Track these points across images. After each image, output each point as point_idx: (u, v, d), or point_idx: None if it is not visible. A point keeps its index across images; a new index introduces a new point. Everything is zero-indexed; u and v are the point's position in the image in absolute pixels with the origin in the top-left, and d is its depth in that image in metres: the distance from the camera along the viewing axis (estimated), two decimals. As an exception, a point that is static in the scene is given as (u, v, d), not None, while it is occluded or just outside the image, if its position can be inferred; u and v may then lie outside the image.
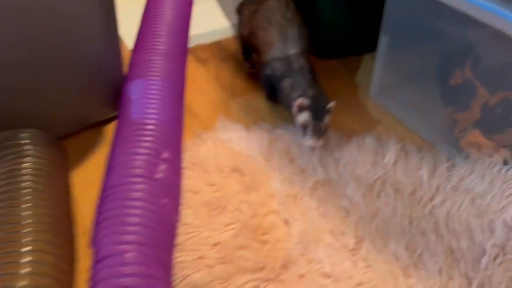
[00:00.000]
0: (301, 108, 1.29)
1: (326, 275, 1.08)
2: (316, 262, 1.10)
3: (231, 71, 1.66)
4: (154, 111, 1.21)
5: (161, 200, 1.05)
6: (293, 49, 1.44)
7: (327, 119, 1.30)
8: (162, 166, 1.11)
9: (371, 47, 1.59)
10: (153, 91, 1.27)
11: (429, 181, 1.29)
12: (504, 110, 1.35)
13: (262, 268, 1.07)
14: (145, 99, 1.24)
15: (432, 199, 1.24)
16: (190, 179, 1.26)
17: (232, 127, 1.43)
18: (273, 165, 1.32)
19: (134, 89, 1.28)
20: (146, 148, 1.11)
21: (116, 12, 1.35)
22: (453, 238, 1.14)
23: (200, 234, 1.14)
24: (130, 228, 0.95)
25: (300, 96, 1.32)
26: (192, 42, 1.77)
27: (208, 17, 1.94)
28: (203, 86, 1.61)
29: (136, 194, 1.01)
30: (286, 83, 1.40)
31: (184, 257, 1.10)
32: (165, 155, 1.14)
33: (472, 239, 1.15)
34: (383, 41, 1.54)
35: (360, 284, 1.06)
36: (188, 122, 1.47)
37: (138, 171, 1.05)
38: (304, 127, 1.28)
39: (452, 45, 1.45)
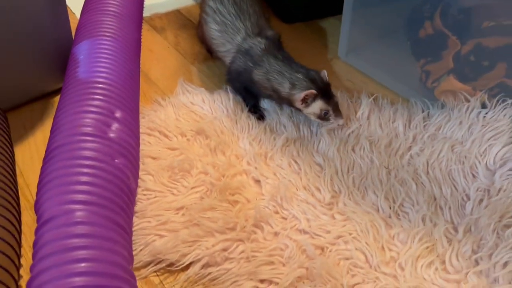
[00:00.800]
0: (310, 99, 1.13)
1: (303, 231, 0.99)
2: (290, 219, 1.01)
3: (191, 38, 1.56)
4: (104, 69, 1.11)
5: (115, 160, 0.95)
6: (243, 32, 1.26)
7: (332, 92, 1.16)
8: (115, 125, 1.01)
9: (337, 9, 1.53)
10: (103, 50, 1.17)
11: (405, 132, 1.22)
12: (477, 57, 1.30)
13: (233, 229, 0.98)
14: (94, 58, 1.14)
15: (409, 149, 1.17)
16: (149, 145, 1.16)
17: (194, 90, 1.33)
18: (241, 126, 1.22)
19: (82, 50, 1.17)
20: (96, 106, 1.01)
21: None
22: (435, 186, 1.08)
23: (163, 199, 1.04)
24: (79, 187, 0.84)
25: (294, 85, 1.14)
26: (148, 12, 1.68)
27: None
28: (160, 54, 1.51)
29: (86, 153, 0.90)
30: (258, 74, 1.20)
31: (146, 223, 0.99)
32: (118, 114, 1.03)
33: (455, 185, 1.08)
34: (348, 2, 1.48)
35: (339, 237, 0.97)
36: (146, 90, 1.37)
37: (88, 129, 0.95)
38: (324, 114, 1.15)
39: (419, -5, 1.39)
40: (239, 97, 1.30)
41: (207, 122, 1.22)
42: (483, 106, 1.20)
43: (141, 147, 1.14)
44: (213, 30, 1.31)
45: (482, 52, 1.29)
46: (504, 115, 1.15)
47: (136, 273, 0.93)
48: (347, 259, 0.94)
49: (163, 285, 0.92)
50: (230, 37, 1.27)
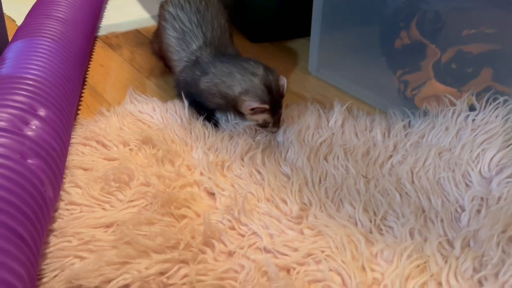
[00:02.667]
0: (257, 110, 1.03)
1: (264, 249, 0.79)
2: (249, 236, 0.81)
3: (149, 54, 1.43)
4: (34, 66, 0.98)
5: (27, 160, 0.76)
6: (201, 41, 1.16)
7: (282, 103, 1.07)
8: (35, 123, 0.83)
9: (305, 31, 1.43)
10: (37, 49, 1.04)
11: (384, 140, 1.06)
12: (460, 64, 1.18)
13: (174, 247, 0.77)
14: (26, 55, 1.01)
15: (390, 157, 1.01)
16: (82, 155, 0.97)
17: (144, 100, 1.17)
18: (195, 135, 1.05)
19: (15, 48, 1.05)
20: (16, 101, 0.86)
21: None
22: (423, 196, 0.90)
23: (90, 214, 0.84)
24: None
25: (247, 92, 1.01)
26: (104, 31, 1.57)
27: (125, 7, 1.75)
28: (112, 68, 1.36)
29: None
30: (205, 82, 1.08)
31: (65, 243, 0.78)
32: (42, 112, 0.87)
33: (445, 195, 0.91)
34: (316, 22, 1.38)
35: (308, 255, 0.77)
36: (90, 102, 1.20)
37: (1, 124, 0.78)
38: (264, 123, 1.06)
39: (393, 5, 1.30)
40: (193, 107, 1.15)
41: (156, 131, 1.04)
42: (471, 108, 1.06)
43: (72, 157, 0.96)
44: (170, 37, 1.19)
45: (464, 59, 1.17)
46: (496, 116, 1.00)
47: (45, 306, 0.71)
48: (319, 281, 0.74)
49: (79, 321, 0.70)
50: (186, 45, 1.17)
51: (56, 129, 0.87)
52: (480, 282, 0.75)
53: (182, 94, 1.14)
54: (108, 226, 0.81)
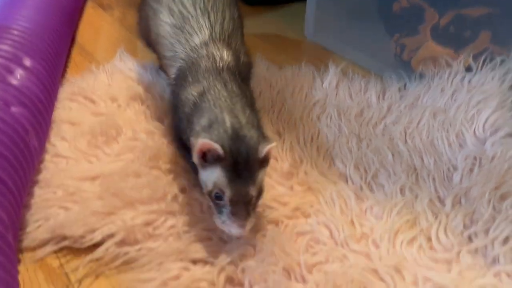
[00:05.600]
0: (209, 156, 0.68)
1: (253, 204, 0.78)
2: (238, 190, 0.80)
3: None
4: (20, 17, 0.94)
5: (11, 107, 0.74)
6: (206, 33, 0.86)
7: (259, 178, 0.68)
8: (20, 72, 0.81)
9: None
10: (23, 0, 1.01)
11: (379, 102, 1.04)
12: (458, 28, 1.15)
13: (161, 199, 0.76)
14: (11, 6, 0.98)
15: (383, 118, 0.99)
16: (69, 110, 0.95)
17: (136, 59, 1.14)
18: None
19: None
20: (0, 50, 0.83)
21: None
22: (415, 156, 0.89)
23: (76, 167, 0.82)
24: None
25: (210, 126, 0.70)
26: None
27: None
28: (103, 28, 1.33)
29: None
30: (188, 93, 0.79)
31: (50, 194, 0.77)
32: (27, 62, 0.85)
33: (438, 155, 0.90)
34: None
35: (297, 209, 0.76)
36: (79, 61, 1.17)
37: None
38: (215, 196, 0.68)
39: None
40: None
41: (145, 87, 1.02)
42: (468, 70, 1.04)
43: (60, 112, 0.94)
44: (164, 24, 0.91)
45: (462, 23, 1.15)
46: (493, 77, 0.98)
47: (29, 255, 0.70)
48: (307, 233, 0.73)
49: (63, 268, 0.69)
50: (185, 36, 0.87)
51: (42, 79, 0.85)
52: (470, 238, 0.74)
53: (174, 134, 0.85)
54: (94, 178, 0.80)
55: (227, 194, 0.66)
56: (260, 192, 0.69)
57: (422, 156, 0.89)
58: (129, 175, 0.79)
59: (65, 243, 0.71)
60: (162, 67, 1.03)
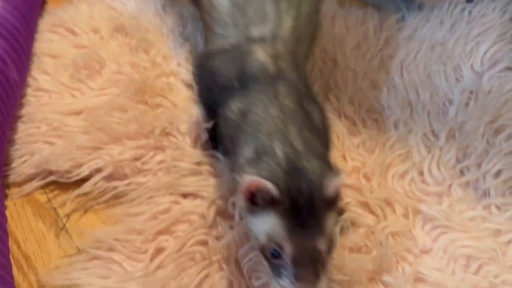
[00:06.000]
0: (260, 199, 0.54)
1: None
2: (228, 124, 0.78)
3: None
4: None
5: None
6: (268, 27, 0.68)
7: (329, 224, 0.54)
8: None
9: None
10: None
11: (376, 34, 1.00)
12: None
13: (149, 134, 0.74)
14: None
15: (380, 51, 0.95)
16: (50, 42, 0.90)
17: (118, -13, 1.08)
18: (171, 24, 0.98)
19: None
20: None
21: None
22: (411, 90, 0.86)
23: (59, 101, 0.79)
24: None
25: (257, 162, 0.56)
26: None
27: None
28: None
29: None
30: (231, 107, 0.63)
31: (33, 129, 0.75)
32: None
33: (434, 89, 0.87)
34: None
35: (289, 144, 0.75)
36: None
37: None
38: (272, 254, 0.53)
39: None
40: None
41: (129, 19, 0.96)
42: (468, 0, 0.99)
43: (40, 44, 0.89)
44: None
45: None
46: (494, 8, 0.94)
47: (15, 190, 0.69)
48: (298, 168, 0.72)
49: (51, 203, 0.68)
50: (244, 21, 0.69)
51: (20, 10, 0.79)
52: (462, 171, 0.74)
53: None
54: (78, 112, 0.77)
55: (288, 251, 0.51)
56: (331, 245, 0.53)
57: (417, 90, 0.87)
58: (115, 110, 0.76)
59: (52, 178, 0.70)
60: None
